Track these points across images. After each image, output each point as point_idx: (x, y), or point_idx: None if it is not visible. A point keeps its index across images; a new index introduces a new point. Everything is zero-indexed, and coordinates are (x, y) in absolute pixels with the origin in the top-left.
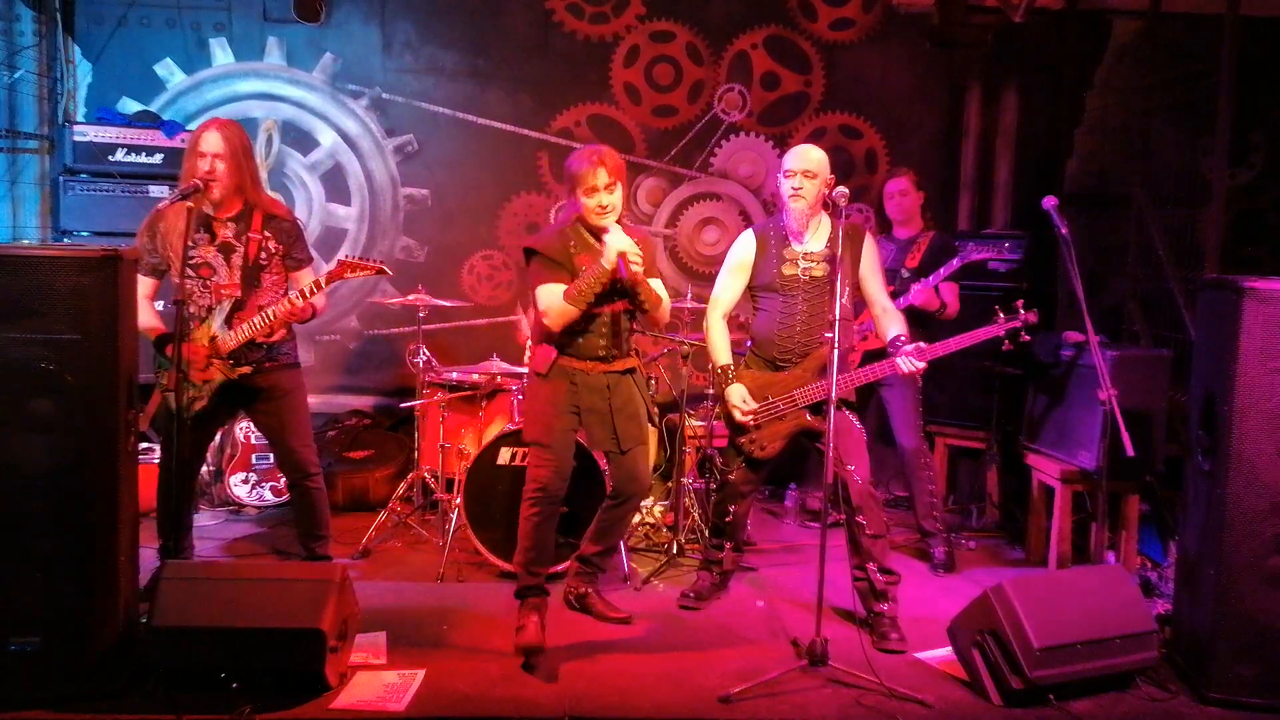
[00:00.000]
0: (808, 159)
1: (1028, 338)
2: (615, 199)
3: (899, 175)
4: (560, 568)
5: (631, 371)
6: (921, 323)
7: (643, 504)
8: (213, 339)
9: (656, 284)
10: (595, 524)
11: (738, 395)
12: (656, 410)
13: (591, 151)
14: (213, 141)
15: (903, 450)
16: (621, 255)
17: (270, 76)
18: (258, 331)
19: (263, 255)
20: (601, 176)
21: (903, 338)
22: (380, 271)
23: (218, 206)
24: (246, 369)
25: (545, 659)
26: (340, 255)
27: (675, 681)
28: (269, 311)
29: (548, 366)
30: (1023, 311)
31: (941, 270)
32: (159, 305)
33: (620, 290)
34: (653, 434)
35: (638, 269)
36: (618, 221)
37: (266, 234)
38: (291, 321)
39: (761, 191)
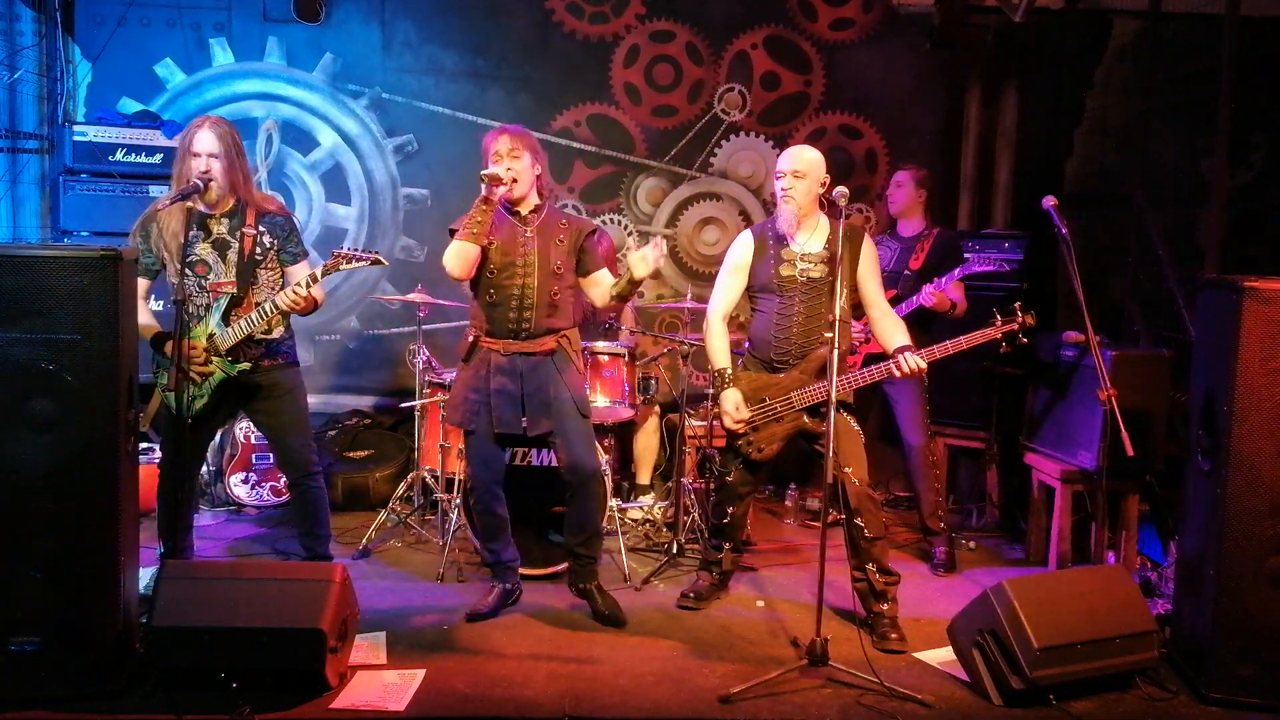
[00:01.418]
0: (797, 159)
1: (1025, 340)
2: (519, 166)
3: (903, 168)
4: (560, 567)
5: (552, 354)
6: (924, 323)
7: (643, 504)
8: (210, 336)
9: (603, 275)
10: (566, 517)
11: (731, 402)
12: (587, 399)
13: (499, 126)
14: (207, 142)
15: (909, 448)
16: (491, 178)
17: (270, 76)
18: (256, 327)
19: (258, 251)
20: (503, 142)
21: (909, 349)
22: (376, 262)
23: (213, 205)
24: (246, 365)
25: (545, 660)
26: (339, 247)
27: (675, 681)
28: (267, 305)
29: (467, 350)
30: (1020, 314)
31: (943, 279)
32: (158, 305)
33: (528, 261)
34: (652, 433)
35: (504, 188)
36: (539, 200)
37: (261, 229)
38: (292, 313)
39: (762, 191)
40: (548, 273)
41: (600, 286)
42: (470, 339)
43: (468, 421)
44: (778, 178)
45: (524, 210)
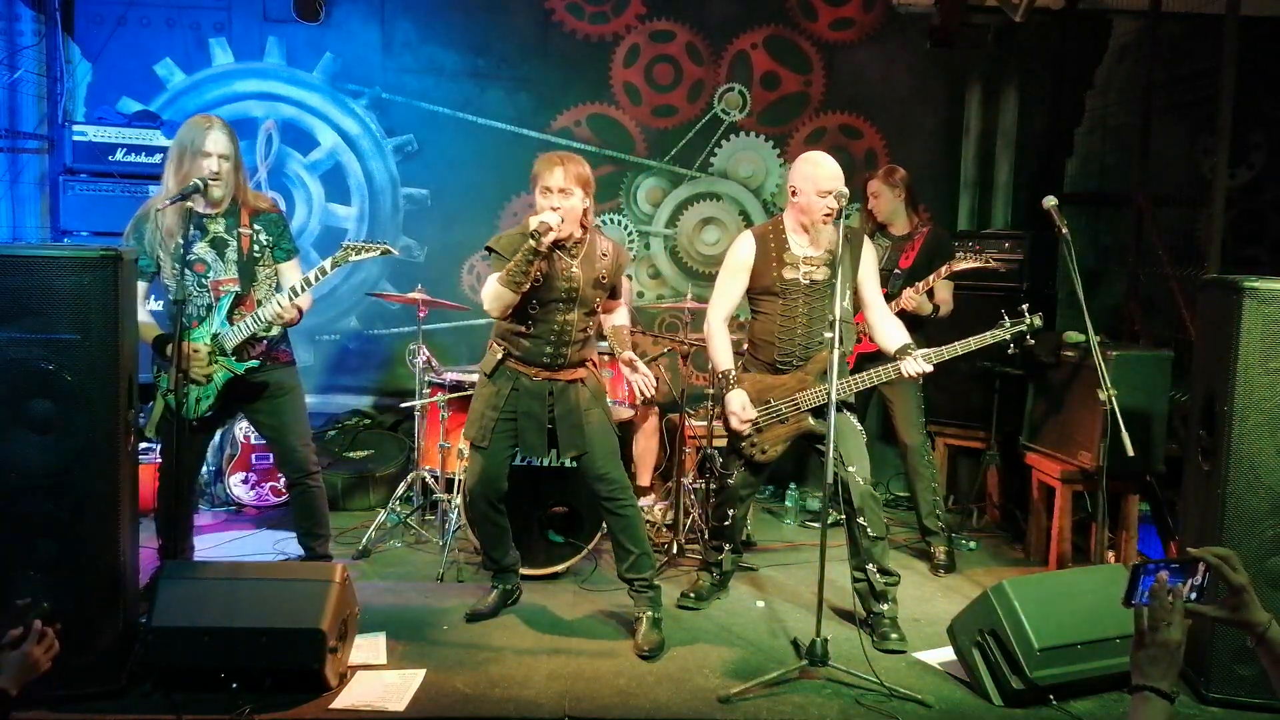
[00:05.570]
0: (842, 177)
1: (1033, 341)
2: (568, 205)
3: (870, 177)
4: (560, 568)
5: (580, 381)
6: (917, 323)
7: (643, 505)
8: (215, 336)
9: (621, 313)
10: (613, 547)
11: (737, 402)
12: (612, 420)
13: (556, 153)
14: (220, 143)
15: (905, 449)
16: (542, 227)
17: (270, 76)
18: (259, 325)
19: (255, 249)
20: (557, 176)
21: (910, 346)
22: (386, 252)
23: (213, 204)
24: (255, 363)
25: (545, 660)
26: (345, 240)
27: (675, 681)
28: (277, 300)
29: (493, 368)
30: (1028, 315)
31: (930, 277)
32: (158, 305)
33: (571, 298)
34: (651, 434)
35: (554, 234)
36: (584, 231)
37: (256, 227)
38: (280, 324)
39: (762, 191)
40: (586, 310)
41: (611, 319)
42: (498, 357)
43: (482, 438)
44: (823, 195)
45: (568, 244)
